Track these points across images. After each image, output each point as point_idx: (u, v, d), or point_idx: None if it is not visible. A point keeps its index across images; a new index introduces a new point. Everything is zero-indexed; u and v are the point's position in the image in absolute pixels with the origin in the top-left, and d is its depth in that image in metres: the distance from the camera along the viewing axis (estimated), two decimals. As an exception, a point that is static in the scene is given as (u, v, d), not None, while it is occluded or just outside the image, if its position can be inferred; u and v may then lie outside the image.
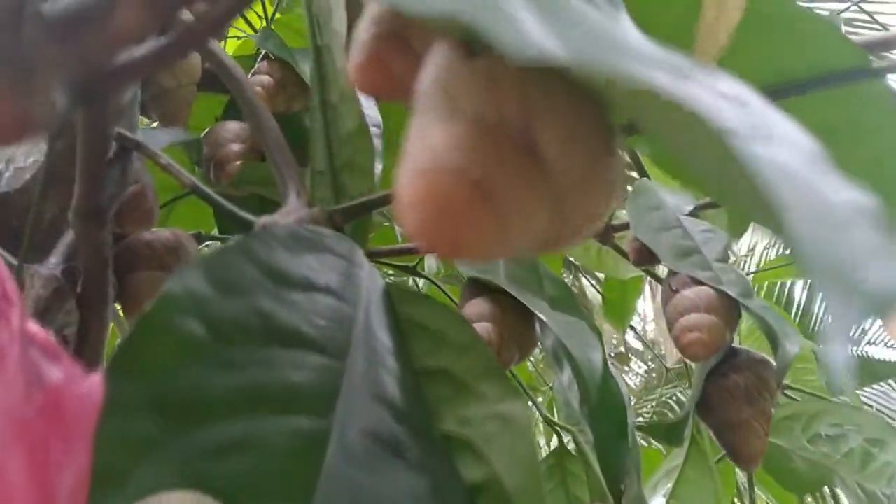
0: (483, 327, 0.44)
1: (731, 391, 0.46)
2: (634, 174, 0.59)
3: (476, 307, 0.45)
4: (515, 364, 0.46)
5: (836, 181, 0.11)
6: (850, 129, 0.38)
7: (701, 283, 0.47)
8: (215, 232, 0.62)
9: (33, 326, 0.21)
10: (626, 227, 0.56)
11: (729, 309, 0.46)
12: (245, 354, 0.26)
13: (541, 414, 0.76)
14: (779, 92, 0.37)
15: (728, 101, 0.12)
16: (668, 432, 0.50)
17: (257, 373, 0.26)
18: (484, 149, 0.13)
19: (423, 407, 0.30)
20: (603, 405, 0.45)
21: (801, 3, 0.33)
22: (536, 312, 0.45)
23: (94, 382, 0.20)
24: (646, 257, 0.54)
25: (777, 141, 0.12)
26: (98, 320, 0.37)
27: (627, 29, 0.19)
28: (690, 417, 0.48)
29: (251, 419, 0.25)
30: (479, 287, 0.48)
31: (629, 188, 0.53)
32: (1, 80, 0.17)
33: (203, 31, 0.19)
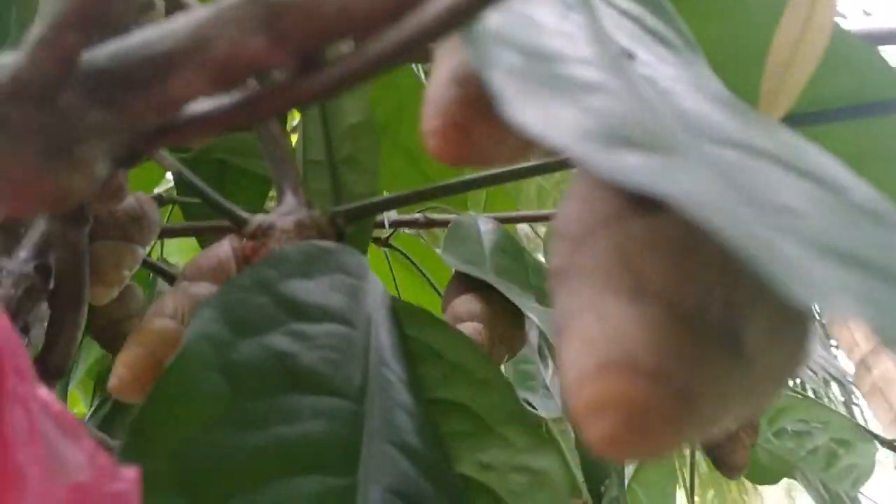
0: (473, 327, 0.42)
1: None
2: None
3: (464, 305, 0.43)
4: (503, 363, 0.45)
5: None
6: (876, 156, 0.36)
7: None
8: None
9: (44, 395, 0.18)
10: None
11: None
12: (266, 406, 0.24)
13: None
14: (809, 118, 0.35)
15: None
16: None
17: (280, 428, 0.24)
18: (684, 345, 0.11)
19: (439, 446, 0.28)
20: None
21: None
22: (526, 312, 0.44)
23: (129, 479, 0.17)
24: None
25: None
26: (71, 322, 0.34)
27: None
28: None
29: (278, 484, 0.23)
30: (465, 281, 0.46)
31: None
32: (37, 155, 0.15)
33: (268, 102, 0.16)
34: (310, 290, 0.28)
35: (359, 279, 0.31)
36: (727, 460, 0.45)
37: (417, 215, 0.57)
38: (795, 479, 0.57)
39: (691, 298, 0.11)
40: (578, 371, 0.12)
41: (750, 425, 0.46)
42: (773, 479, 0.58)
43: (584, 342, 0.12)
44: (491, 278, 0.45)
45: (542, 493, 0.26)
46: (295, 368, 0.26)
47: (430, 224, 0.57)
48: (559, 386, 0.51)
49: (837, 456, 0.54)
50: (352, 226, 0.35)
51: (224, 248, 0.33)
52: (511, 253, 0.49)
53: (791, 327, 0.12)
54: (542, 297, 0.48)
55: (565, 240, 0.13)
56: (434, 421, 0.29)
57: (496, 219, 0.51)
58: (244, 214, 0.34)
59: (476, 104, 0.18)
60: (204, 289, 0.32)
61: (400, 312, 0.32)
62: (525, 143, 0.20)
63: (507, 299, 0.45)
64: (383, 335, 0.30)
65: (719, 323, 0.11)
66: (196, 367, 0.23)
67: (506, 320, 0.45)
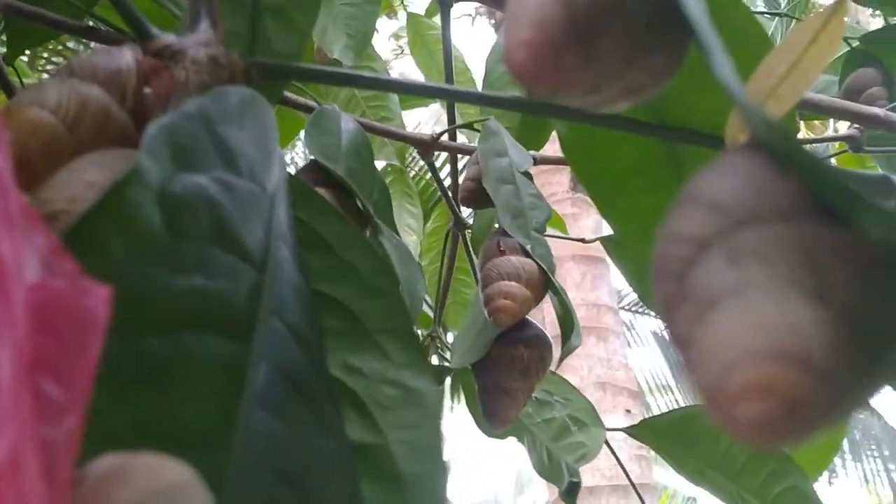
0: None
1: (515, 361, 0.49)
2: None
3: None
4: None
5: None
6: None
7: (528, 255, 0.48)
8: None
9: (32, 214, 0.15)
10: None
11: (543, 286, 0.48)
12: (193, 253, 0.22)
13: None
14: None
15: None
16: (434, 371, 0.52)
17: (199, 280, 0.22)
18: (851, 355, 0.12)
19: (321, 337, 0.27)
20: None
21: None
22: (373, 218, 0.43)
23: (101, 297, 0.15)
24: (471, 201, 0.54)
25: None
26: None
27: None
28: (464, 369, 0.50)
29: (185, 335, 0.21)
30: (319, 173, 0.44)
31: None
32: None
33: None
34: (240, 140, 0.26)
35: (273, 142, 0.29)
36: (498, 413, 0.49)
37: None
38: (521, 440, 0.62)
39: (864, 317, 0.12)
40: (743, 349, 0.12)
41: (529, 389, 0.49)
42: (503, 436, 0.63)
43: (755, 322, 0.12)
44: (345, 179, 0.44)
45: (410, 412, 0.27)
46: (219, 219, 0.23)
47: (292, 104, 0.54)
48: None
49: (570, 432, 0.60)
50: (263, 83, 0.32)
51: (126, 57, 0.29)
52: (364, 160, 0.48)
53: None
54: (378, 213, 0.48)
55: (716, 211, 0.14)
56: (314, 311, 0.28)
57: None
58: (153, 29, 0.31)
59: (579, 31, 0.18)
60: (95, 93, 0.28)
61: (295, 191, 0.31)
62: (595, 89, 0.20)
63: (355, 205, 0.44)
64: (282, 210, 0.28)
65: (877, 344, 0.12)
66: (139, 194, 0.20)
67: (352, 223, 0.44)
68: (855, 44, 0.81)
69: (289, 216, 0.29)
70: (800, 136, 0.85)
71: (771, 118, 0.13)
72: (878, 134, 0.70)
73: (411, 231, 1.29)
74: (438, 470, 0.25)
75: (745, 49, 0.30)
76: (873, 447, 6.42)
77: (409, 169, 1.64)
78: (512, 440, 0.65)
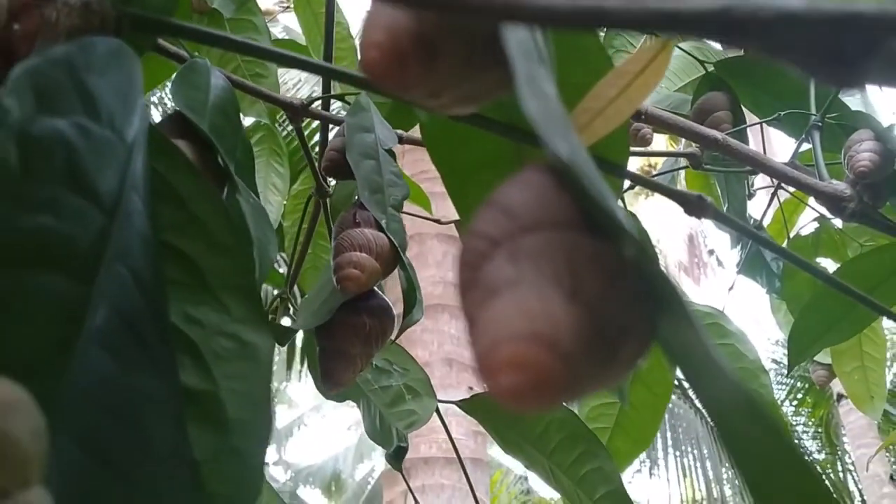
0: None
1: (357, 328, 0.51)
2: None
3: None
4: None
5: None
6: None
7: (382, 230, 0.50)
8: None
9: None
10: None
11: (392, 260, 0.50)
12: (44, 194, 0.23)
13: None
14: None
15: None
16: (277, 332, 0.53)
17: (46, 219, 0.23)
18: (589, 344, 0.15)
19: (164, 286, 0.28)
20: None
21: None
22: (231, 175, 0.45)
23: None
24: (333, 171, 0.55)
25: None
26: None
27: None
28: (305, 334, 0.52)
29: (27, 272, 0.22)
30: (182, 125, 0.45)
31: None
32: None
33: None
34: (103, 89, 0.27)
35: (136, 93, 0.30)
36: (335, 376, 0.51)
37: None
38: (358, 404, 0.65)
39: (605, 315, 0.15)
40: (508, 330, 0.15)
41: (367, 356, 0.52)
42: (340, 399, 0.65)
43: (519, 310, 0.15)
44: (207, 134, 0.45)
45: (244, 364, 0.28)
46: (73, 163, 0.24)
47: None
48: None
49: (404, 400, 0.63)
50: (133, 34, 0.33)
51: (-4, -11, 0.29)
52: (230, 117, 0.49)
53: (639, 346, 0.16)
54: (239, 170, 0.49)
55: (508, 216, 0.17)
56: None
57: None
58: (25, -39, 0.31)
59: (425, 44, 0.20)
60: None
61: (153, 142, 0.31)
62: (434, 94, 0.22)
63: (215, 160, 0.45)
64: (138, 160, 0.29)
65: (613, 337, 0.15)
66: None
67: (211, 179, 0.45)
68: (710, 68, 0.88)
69: (145, 167, 0.30)
70: (654, 148, 0.91)
71: (562, 153, 0.16)
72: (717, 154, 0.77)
73: (276, 191, 1.29)
74: (265, 418, 0.27)
75: (586, 69, 0.33)
76: (694, 444, 6.87)
77: (281, 128, 1.63)
78: (357, 412, 0.67)
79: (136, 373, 0.25)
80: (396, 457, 0.62)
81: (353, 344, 0.50)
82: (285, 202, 1.35)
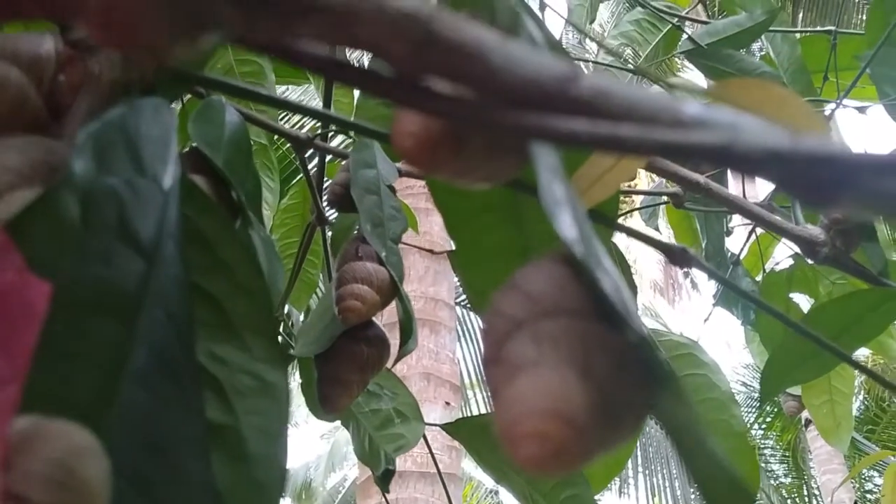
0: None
1: (356, 356, 0.53)
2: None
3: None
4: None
5: None
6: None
7: (382, 263, 0.52)
8: None
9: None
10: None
11: (391, 292, 0.53)
12: (100, 245, 0.25)
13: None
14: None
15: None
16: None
17: (100, 269, 0.25)
18: (599, 419, 0.18)
19: (194, 327, 0.31)
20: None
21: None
22: (246, 212, 0.47)
23: (43, 291, 0.19)
24: (338, 204, 0.58)
25: None
26: None
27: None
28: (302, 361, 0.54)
29: (82, 317, 0.24)
30: (200, 161, 0.47)
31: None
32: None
33: None
34: (147, 144, 0.29)
35: (172, 143, 0.32)
36: (332, 402, 0.53)
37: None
38: (348, 426, 0.67)
39: (612, 393, 0.18)
40: (532, 406, 0.17)
41: (363, 382, 0.54)
42: (331, 420, 0.67)
43: (542, 388, 0.18)
44: (222, 170, 0.47)
45: (264, 400, 0.31)
46: (122, 216, 0.27)
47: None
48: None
49: (393, 423, 0.65)
50: (167, 84, 0.35)
51: (47, 44, 0.32)
52: (243, 152, 0.51)
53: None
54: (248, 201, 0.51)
55: (530, 300, 0.19)
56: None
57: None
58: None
59: (454, 137, 0.23)
60: (15, 75, 0.30)
61: (183, 188, 0.34)
62: (459, 175, 0.25)
63: (229, 195, 0.47)
64: (173, 207, 0.32)
65: (618, 412, 0.18)
66: (67, 194, 0.23)
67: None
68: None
69: (178, 213, 0.33)
70: (638, 185, 0.94)
71: (571, 239, 0.19)
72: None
73: (266, 205, 1.31)
74: (282, 453, 0.30)
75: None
76: (663, 464, 6.92)
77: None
78: (336, 421, 0.69)
79: (170, 409, 0.27)
80: (384, 478, 0.64)
81: (352, 371, 0.53)
82: (274, 216, 1.37)
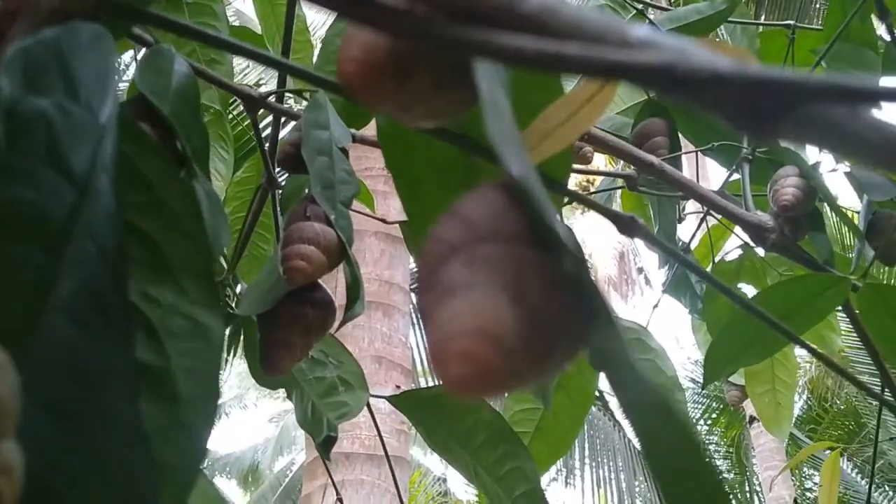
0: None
1: (299, 318, 0.52)
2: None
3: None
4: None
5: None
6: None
7: (331, 225, 0.51)
8: None
9: None
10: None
11: (339, 255, 0.52)
12: (25, 167, 0.24)
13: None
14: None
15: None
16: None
17: (25, 191, 0.24)
18: (531, 343, 0.17)
19: (126, 264, 0.30)
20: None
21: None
22: (191, 164, 0.46)
23: None
24: (289, 165, 0.57)
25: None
26: None
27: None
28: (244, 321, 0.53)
29: (4, 240, 0.23)
30: (146, 108, 0.46)
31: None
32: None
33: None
34: (83, 70, 0.28)
35: (111, 76, 0.31)
36: (274, 363, 0.52)
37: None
38: (290, 393, 0.66)
39: (544, 320, 0.18)
40: (461, 326, 0.17)
41: (307, 346, 0.53)
42: (274, 387, 0.66)
43: (471, 309, 0.17)
44: (168, 118, 0.46)
45: (198, 343, 0.30)
46: (52, 140, 0.26)
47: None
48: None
49: (337, 391, 0.64)
50: (111, 19, 0.34)
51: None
52: (191, 104, 0.50)
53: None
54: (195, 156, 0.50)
55: (467, 226, 0.19)
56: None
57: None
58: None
59: (398, 63, 0.22)
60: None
61: (123, 126, 0.33)
62: (404, 108, 0.24)
63: (174, 146, 0.46)
64: (109, 141, 0.31)
65: (549, 339, 0.18)
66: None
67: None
68: (653, 95, 0.92)
69: (114, 148, 0.32)
70: (593, 167, 0.94)
71: (516, 172, 0.18)
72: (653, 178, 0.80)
73: (219, 177, 1.28)
74: (213, 396, 0.29)
75: (541, 91, 0.36)
76: (610, 456, 7.01)
77: (227, 112, 1.62)
78: (279, 405, 0.68)
79: (98, 344, 0.26)
80: (325, 446, 0.63)
81: (295, 333, 0.52)
82: (227, 188, 1.35)
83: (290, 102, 1.29)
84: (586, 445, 6.97)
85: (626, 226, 0.41)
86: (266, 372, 0.53)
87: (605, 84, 0.33)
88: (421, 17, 0.18)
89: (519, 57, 0.17)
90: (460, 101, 0.24)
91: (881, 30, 1.10)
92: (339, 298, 0.58)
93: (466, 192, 0.48)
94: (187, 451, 0.28)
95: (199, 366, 0.29)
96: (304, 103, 0.72)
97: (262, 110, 0.65)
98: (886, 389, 0.80)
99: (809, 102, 0.16)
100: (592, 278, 0.18)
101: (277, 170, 0.65)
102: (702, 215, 1.12)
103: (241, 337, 0.75)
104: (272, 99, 0.63)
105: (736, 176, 0.90)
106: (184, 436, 0.28)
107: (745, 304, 0.57)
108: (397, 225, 1.18)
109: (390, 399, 0.69)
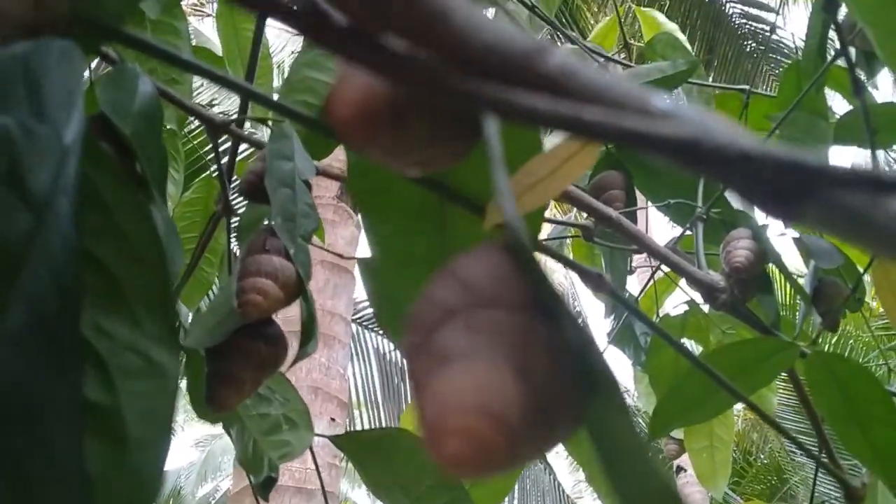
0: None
1: (251, 354, 0.50)
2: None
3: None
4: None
5: None
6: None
7: (290, 260, 0.50)
8: None
9: None
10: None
11: (296, 290, 0.50)
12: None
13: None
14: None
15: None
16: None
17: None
18: (533, 421, 0.16)
19: (81, 294, 0.28)
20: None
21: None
22: (151, 189, 0.44)
23: None
24: (249, 194, 0.55)
25: None
26: None
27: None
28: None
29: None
30: (106, 126, 0.44)
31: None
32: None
33: None
34: (50, 88, 0.26)
35: (78, 95, 0.29)
36: (221, 400, 0.50)
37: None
38: (231, 431, 0.64)
39: (548, 395, 0.17)
40: (461, 400, 0.16)
41: (256, 382, 0.51)
42: (215, 420, 0.64)
43: (472, 382, 0.16)
44: (129, 139, 0.45)
45: (150, 382, 0.28)
46: (12, 160, 0.24)
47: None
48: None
49: (281, 430, 0.62)
50: (83, 35, 0.32)
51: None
52: (153, 126, 0.48)
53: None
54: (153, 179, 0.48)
55: (466, 289, 0.18)
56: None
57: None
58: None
59: (395, 114, 0.21)
60: None
61: (87, 146, 0.31)
62: (395, 156, 0.23)
63: (133, 168, 0.44)
64: (72, 163, 0.29)
65: (552, 415, 0.17)
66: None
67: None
68: (611, 149, 0.93)
69: (77, 170, 0.30)
70: (547, 214, 0.94)
71: (522, 235, 0.17)
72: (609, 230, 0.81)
73: (168, 197, 1.26)
74: (164, 439, 0.27)
75: (518, 146, 0.35)
76: (539, 499, 7.00)
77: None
78: (205, 429, 0.66)
79: (44, 377, 0.25)
80: (265, 486, 0.61)
81: (246, 369, 0.50)
82: (174, 209, 1.32)
83: (247, 126, 1.27)
84: (516, 487, 6.95)
85: (594, 282, 0.41)
86: (211, 408, 0.50)
87: (589, 143, 0.32)
88: (433, 66, 0.17)
89: (533, 116, 0.17)
90: (454, 153, 0.23)
91: (832, 101, 1.13)
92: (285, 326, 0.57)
93: (436, 238, 0.47)
94: (134, 498, 0.27)
95: (152, 407, 0.28)
96: (265, 129, 0.71)
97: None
98: (823, 451, 0.81)
99: (832, 188, 0.16)
100: (597, 346, 0.17)
101: (233, 196, 0.63)
102: (651, 269, 1.13)
103: (182, 366, 0.73)
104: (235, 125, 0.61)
105: (688, 233, 0.91)
106: (131, 481, 0.26)
107: (698, 363, 0.57)
108: (342, 255, 1.16)
109: (334, 440, 0.67)
